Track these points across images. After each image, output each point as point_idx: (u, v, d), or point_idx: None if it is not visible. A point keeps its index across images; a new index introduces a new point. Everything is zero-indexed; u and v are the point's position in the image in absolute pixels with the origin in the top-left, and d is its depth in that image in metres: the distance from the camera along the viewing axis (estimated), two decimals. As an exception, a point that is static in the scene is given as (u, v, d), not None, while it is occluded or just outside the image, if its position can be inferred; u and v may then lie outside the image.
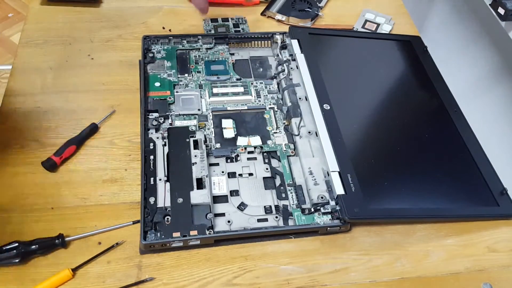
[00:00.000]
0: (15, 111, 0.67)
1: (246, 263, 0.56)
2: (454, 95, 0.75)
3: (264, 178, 0.62)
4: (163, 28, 0.83)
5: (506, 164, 0.73)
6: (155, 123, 0.65)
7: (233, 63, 0.77)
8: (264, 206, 0.59)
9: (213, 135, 0.66)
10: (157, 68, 0.73)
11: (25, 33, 0.79)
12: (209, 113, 0.69)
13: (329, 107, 0.67)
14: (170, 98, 0.69)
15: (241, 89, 0.72)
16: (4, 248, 0.52)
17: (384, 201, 0.59)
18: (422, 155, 0.67)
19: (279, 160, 0.64)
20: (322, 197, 0.59)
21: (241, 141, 0.66)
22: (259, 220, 0.58)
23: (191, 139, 0.63)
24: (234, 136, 0.66)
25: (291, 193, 0.61)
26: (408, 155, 0.66)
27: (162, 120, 0.66)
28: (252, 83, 0.73)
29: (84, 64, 0.75)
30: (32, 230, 0.56)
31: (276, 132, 0.68)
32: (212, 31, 0.82)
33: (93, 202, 0.59)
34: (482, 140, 0.69)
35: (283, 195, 0.61)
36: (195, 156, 0.61)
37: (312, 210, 0.59)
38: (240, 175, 0.62)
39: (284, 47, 0.78)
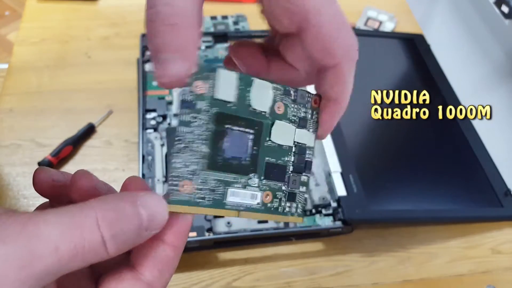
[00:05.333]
0: (11, 110, 0.67)
1: (246, 265, 0.55)
2: (457, 93, 0.74)
3: (264, 178, 0.61)
4: (162, 26, 0.82)
5: (510, 164, 0.72)
6: (153, 122, 0.64)
7: (232, 61, 0.76)
8: (265, 208, 0.58)
9: (213, 135, 0.65)
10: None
11: (21, 32, 0.78)
12: (208, 113, 0.67)
13: (330, 107, 0.66)
14: (168, 97, 0.68)
15: (241, 88, 0.71)
16: None
17: (386, 203, 0.59)
18: (424, 156, 0.66)
19: (280, 161, 0.63)
20: (323, 199, 0.58)
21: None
22: (259, 222, 0.57)
23: (190, 139, 0.62)
24: (233, 136, 0.65)
25: (292, 194, 0.60)
26: (411, 155, 0.66)
27: (161, 119, 0.65)
28: (252, 82, 0.72)
29: (81, 62, 0.74)
30: (28, 232, 0.55)
31: (276, 132, 0.67)
32: (211, 29, 0.81)
33: (90, 204, 0.58)
34: (486, 140, 0.68)
35: (284, 196, 0.60)
36: (194, 156, 0.60)
37: (313, 211, 0.58)
38: (240, 175, 0.61)
39: (284, 45, 0.77)
